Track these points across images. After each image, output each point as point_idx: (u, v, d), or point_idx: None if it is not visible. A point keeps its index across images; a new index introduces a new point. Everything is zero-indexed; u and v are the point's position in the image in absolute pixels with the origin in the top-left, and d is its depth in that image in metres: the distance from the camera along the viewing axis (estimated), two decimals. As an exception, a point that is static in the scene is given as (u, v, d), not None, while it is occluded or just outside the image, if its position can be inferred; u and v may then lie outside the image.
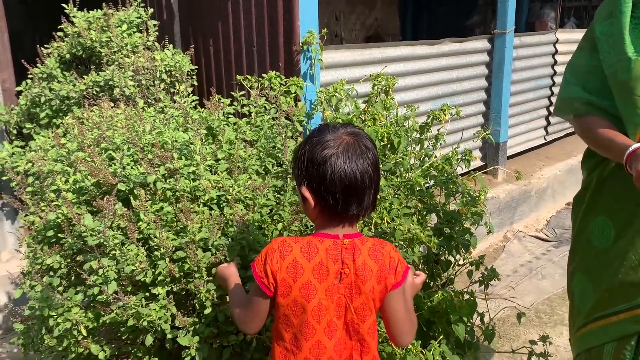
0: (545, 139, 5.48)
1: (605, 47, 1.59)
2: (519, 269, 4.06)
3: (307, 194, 1.29)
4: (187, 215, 1.76)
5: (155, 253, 1.81)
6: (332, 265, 1.29)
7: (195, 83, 3.14)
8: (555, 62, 5.25)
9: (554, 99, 5.38)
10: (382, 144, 2.94)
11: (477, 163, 4.75)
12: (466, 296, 2.44)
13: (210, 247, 1.76)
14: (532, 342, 2.48)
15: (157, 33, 3.27)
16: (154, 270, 1.81)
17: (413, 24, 8.85)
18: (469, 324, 2.39)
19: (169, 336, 1.78)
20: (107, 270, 1.78)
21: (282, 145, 2.14)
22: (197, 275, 1.73)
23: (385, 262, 1.33)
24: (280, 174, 2.20)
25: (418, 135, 3.04)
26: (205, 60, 3.53)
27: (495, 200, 4.32)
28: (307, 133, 3.03)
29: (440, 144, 3.04)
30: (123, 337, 1.95)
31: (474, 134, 3.15)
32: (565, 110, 1.74)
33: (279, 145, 2.25)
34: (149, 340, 1.78)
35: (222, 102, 2.37)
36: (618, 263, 1.64)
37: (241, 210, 1.91)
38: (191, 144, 2.04)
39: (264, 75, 2.85)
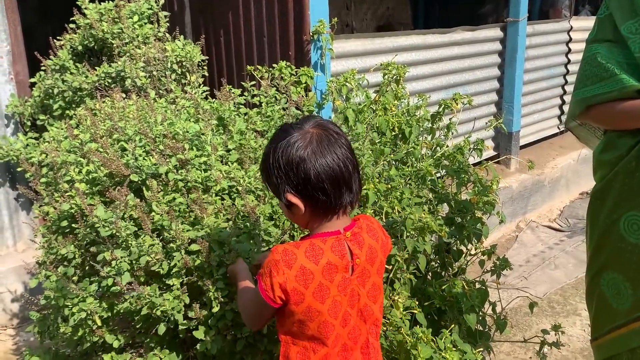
0: (558, 128, 5.43)
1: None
2: (532, 259, 4.04)
3: (294, 199, 1.24)
4: (202, 207, 1.77)
5: (171, 245, 1.81)
6: (339, 261, 1.26)
7: (206, 74, 3.14)
8: (569, 50, 5.18)
9: (567, 88, 5.32)
10: (393, 133, 2.93)
11: (489, 153, 4.72)
12: (478, 285, 2.43)
13: (225, 246, 1.77)
14: (545, 332, 2.47)
15: (168, 24, 3.28)
16: (169, 261, 1.82)
17: (425, 13, 8.77)
18: (480, 313, 2.39)
19: (182, 327, 1.79)
20: (120, 262, 1.79)
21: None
22: (207, 271, 1.74)
23: (379, 234, 1.36)
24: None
25: (430, 125, 3.03)
26: (216, 50, 3.54)
27: (508, 190, 4.30)
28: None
29: (452, 133, 3.02)
30: (136, 327, 1.96)
31: (486, 123, 3.12)
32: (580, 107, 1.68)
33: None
34: (162, 329, 1.80)
35: (233, 93, 2.38)
36: None
37: (252, 201, 1.91)
38: (202, 134, 2.04)
39: (274, 65, 2.84)
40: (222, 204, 1.92)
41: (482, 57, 4.38)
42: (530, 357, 2.96)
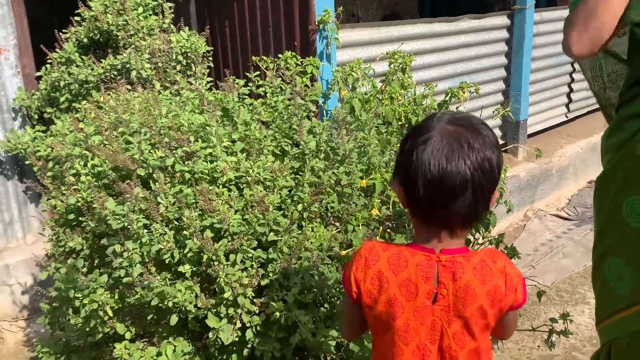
0: (566, 116, 5.39)
1: None
2: (540, 247, 4.03)
3: (394, 186, 1.15)
4: (206, 198, 1.77)
5: (184, 232, 1.82)
6: (422, 283, 1.13)
7: (212, 65, 3.13)
8: (577, 37, 5.13)
9: (575, 76, 5.27)
10: (400, 123, 2.92)
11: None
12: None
13: (225, 235, 1.77)
14: (553, 320, 2.46)
15: (173, 15, 3.27)
16: (181, 250, 1.83)
17: (432, 2, 8.70)
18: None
19: (192, 316, 1.81)
20: (132, 254, 1.81)
21: (298, 125, 2.13)
22: (215, 261, 1.74)
23: (498, 282, 1.14)
24: (297, 155, 2.20)
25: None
26: (222, 41, 3.53)
27: (516, 178, 4.28)
28: (325, 113, 3.02)
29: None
30: (147, 318, 1.98)
31: (493, 112, 3.10)
32: None
33: (295, 126, 2.24)
34: (174, 320, 1.81)
35: (237, 84, 2.37)
36: None
37: (261, 191, 1.91)
38: (207, 125, 2.04)
39: (279, 55, 2.83)
40: (230, 195, 1.92)
41: (489, 46, 4.34)
42: (539, 346, 2.96)
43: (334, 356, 1.98)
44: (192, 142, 1.97)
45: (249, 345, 1.83)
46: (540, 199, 4.57)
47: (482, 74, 4.35)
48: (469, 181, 1.05)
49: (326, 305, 2.00)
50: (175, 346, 1.86)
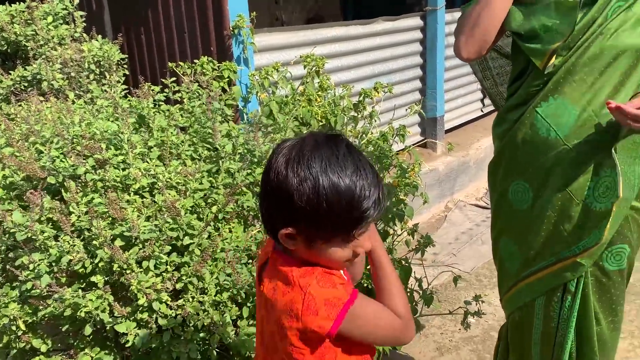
0: (482, 111, 5.68)
1: None
2: (461, 236, 4.24)
3: None
4: (115, 206, 1.78)
5: (94, 242, 1.82)
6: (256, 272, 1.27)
7: (127, 72, 3.11)
8: (488, 36, 5.43)
9: (488, 72, 5.56)
10: (320, 124, 3.01)
11: (417, 138, 4.90)
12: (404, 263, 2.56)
13: (136, 243, 1.79)
14: (467, 303, 2.62)
15: (86, 24, 3.22)
16: (92, 260, 1.83)
17: (355, 4, 8.90)
18: (406, 289, 2.51)
19: (108, 325, 1.81)
20: (39, 265, 1.79)
21: (213, 130, 2.18)
22: (127, 270, 1.76)
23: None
24: (213, 158, 2.24)
25: (354, 114, 3.13)
26: (138, 49, 3.50)
27: (435, 172, 4.48)
28: (244, 117, 3.07)
29: (375, 120, 3.14)
30: (64, 329, 1.96)
31: (406, 110, 3.25)
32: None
33: (211, 130, 2.28)
34: (88, 330, 1.81)
35: (152, 90, 2.38)
36: (539, 222, 1.76)
37: (173, 196, 1.94)
38: (120, 133, 2.05)
39: (196, 61, 2.86)
40: (142, 201, 1.94)
41: (404, 46, 4.53)
42: (459, 329, 3.12)
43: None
44: (103, 150, 1.97)
45: (166, 349, 1.85)
46: (459, 190, 4.81)
47: (399, 74, 4.53)
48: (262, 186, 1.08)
49: (249, 304, 2.05)
50: (92, 357, 1.85)
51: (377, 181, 1.04)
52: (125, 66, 3.10)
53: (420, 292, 2.64)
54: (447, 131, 5.09)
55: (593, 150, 1.65)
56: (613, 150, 1.58)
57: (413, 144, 4.81)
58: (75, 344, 1.97)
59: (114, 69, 2.98)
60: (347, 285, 1.09)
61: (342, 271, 1.16)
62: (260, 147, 2.16)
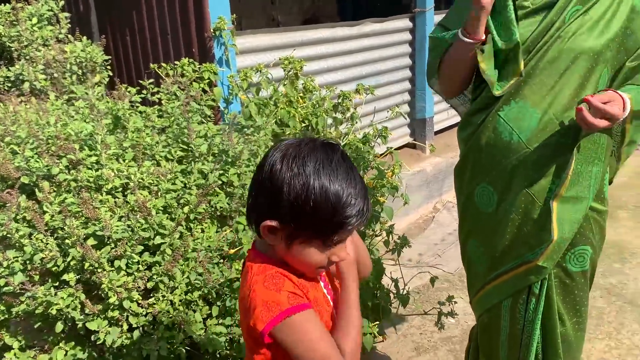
0: (473, 112, 5.69)
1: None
2: (447, 237, 4.26)
3: None
4: (88, 206, 1.81)
5: (66, 241, 1.85)
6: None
7: (111, 73, 3.15)
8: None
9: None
10: (303, 125, 3.04)
11: (406, 139, 4.92)
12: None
13: (109, 242, 1.82)
14: (441, 303, 2.65)
15: (73, 25, 3.26)
16: (64, 258, 1.86)
17: (353, 5, 8.91)
18: (380, 290, 2.54)
19: (79, 322, 1.84)
20: (13, 262, 1.82)
21: (188, 130, 2.21)
22: (99, 268, 1.79)
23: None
24: (189, 159, 2.26)
25: (334, 115, 3.15)
26: (123, 50, 3.53)
27: (423, 173, 4.50)
28: (225, 118, 3.10)
29: (357, 122, 3.16)
30: (37, 326, 1.99)
31: (387, 111, 3.27)
32: (433, 69, 1.86)
33: (187, 131, 2.31)
34: (59, 327, 1.84)
35: (129, 92, 2.41)
36: (504, 225, 1.78)
37: (145, 196, 1.97)
38: (95, 134, 2.08)
39: (176, 62, 2.89)
40: (115, 201, 1.97)
41: (393, 48, 4.55)
42: (439, 329, 3.15)
43: (228, 352, 2.06)
44: (77, 151, 2.00)
45: (137, 347, 1.88)
46: (447, 191, 4.83)
47: (388, 75, 4.55)
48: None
49: (219, 303, 2.07)
50: (66, 350, 1.88)
51: (364, 193, 1.07)
52: (109, 67, 3.13)
53: (395, 293, 2.66)
54: (437, 132, 5.11)
55: (554, 153, 1.67)
56: (575, 150, 1.61)
57: (402, 145, 4.84)
58: (50, 339, 2.00)
59: (97, 70, 3.01)
60: (296, 296, 1.08)
61: (305, 281, 1.15)
62: (234, 147, 2.19)
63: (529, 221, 1.74)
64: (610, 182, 1.84)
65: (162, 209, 2.00)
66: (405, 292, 2.70)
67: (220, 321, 2.03)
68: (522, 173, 1.71)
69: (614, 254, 3.74)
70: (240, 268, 1.28)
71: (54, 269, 1.86)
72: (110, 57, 3.20)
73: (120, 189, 2.03)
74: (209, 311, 2.03)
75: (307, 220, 1.03)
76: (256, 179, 1.09)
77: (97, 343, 1.90)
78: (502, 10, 1.64)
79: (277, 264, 1.12)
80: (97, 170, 2.01)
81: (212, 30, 2.95)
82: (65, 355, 1.87)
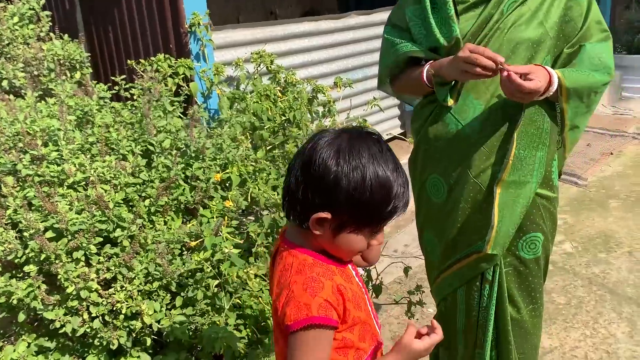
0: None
1: (418, 29, 1.73)
2: (435, 228, 4.26)
3: None
4: (47, 200, 1.87)
5: (25, 234, 1.91)
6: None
7: (91, 70, 3.20)
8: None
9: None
10: (283, 118, 3.07)
11: (396, 130, 4.92)
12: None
13: (66, 234, 1.87)
14: (410, 293, 2.67)
15: (59, 23, 3.32)
16: (24, 250, 1.92)
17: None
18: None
19: (40, 312, 1.90)
20: (-27, 254, 1.88)
21: (147, 126, 2.25)
22: (56, 260, 1.84)
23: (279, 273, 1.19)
24: (155, 153, 2.31)
25: (320, 109, 3.18)
26: (107, 47, 3.59)
27: (411, 165, 4.50)
28: (208, 111, 3.14)
29: (334, 115, 3.18)
30: (0, 316, 2.05)
31: (367, 103, 3.29)
32: (384, 77, 1.89)
33: (157, 125, 2.36)
34: (21, 317, 1.90)
35: (97, 88, 2.46)
36: (454, 214, 1.81)
37: (106, 190, 2.02)
38: (59, 130, 2.13)
39: (152, 58, 2.93)
40: (77, 195, 2.02)
41: (380, 40, 4.54)
42: (417, 319, 3.17)
43: (192, 340, 2.11)
44: (39, 146, 2.05)
45: (99, 336, 1.93)
46: (438, 182, 4.81)
47: (375, 68, 4.54)
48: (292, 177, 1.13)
49: (182, 294, 2.12)
50: (29, 343, 1.94)
51: (408, 182, 1.11)
52: (88, 65, 3.19)
53: (371, 283, 2.69)
54: (428, 124, 5.09)
55: (499, 141, 1.69)
56: (515, 135, 1.63)
57: (392, 137, 4.85)
58: (16, 330, 2.06)
59: (77, 67, 3.07)
60: (329, 306, 1.09)
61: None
62: (196, 142, 2.23)
63: (477, 210, 1.75)
64: (559, 175, 1.84)
65: (123, 201, 2.04)
66: (378, 282, 2.73)
67: (183, 311, 2.08)
68: (469, 163, 1.73)
69: (601, 244, 3.72)
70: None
71: (16, 261, 1.92)
72: (92, 53, 3.26)
73: (83, 183, 2.08)
74: (173, 302, 2.08)
75: (362, 209, 1.07)
76: (306, 175, 1.09)
77: (61, 332, 1.96)
78: (442, 6, 1.65)
79: (312, 254, 1.14)
80: (59, 165, 2.06)
81: (187, 25, 2.99)
82: (28, 347, 1.93)
